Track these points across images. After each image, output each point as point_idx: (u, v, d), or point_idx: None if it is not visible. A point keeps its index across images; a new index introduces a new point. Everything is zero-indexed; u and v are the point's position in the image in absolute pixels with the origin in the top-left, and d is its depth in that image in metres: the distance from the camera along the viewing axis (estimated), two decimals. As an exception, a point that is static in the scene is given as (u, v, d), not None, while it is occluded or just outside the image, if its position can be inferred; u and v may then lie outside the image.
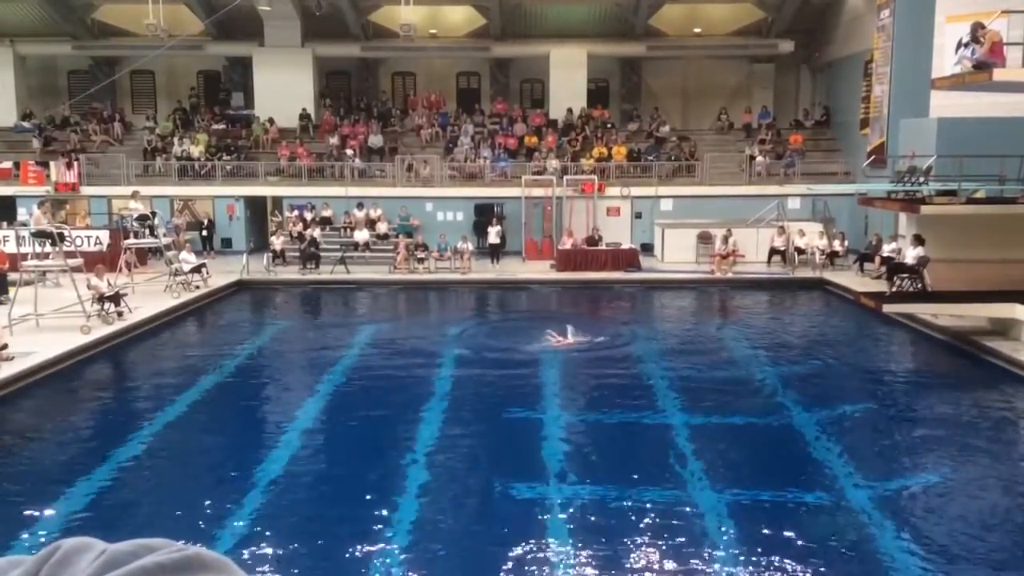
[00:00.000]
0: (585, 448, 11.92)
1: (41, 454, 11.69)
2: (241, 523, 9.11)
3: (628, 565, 8.24)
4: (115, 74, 33.57)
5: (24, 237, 19.50)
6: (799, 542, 8.75)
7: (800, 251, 25.96)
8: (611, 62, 35.65)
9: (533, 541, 8.71)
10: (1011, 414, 13.64)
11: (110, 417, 13.66)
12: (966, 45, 15.23)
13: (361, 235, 27.82)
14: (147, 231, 22.84)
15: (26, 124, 33.81)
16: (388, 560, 8.36)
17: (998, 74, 14.53)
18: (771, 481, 10.42)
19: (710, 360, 16.82)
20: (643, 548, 8.57)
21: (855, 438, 12.70)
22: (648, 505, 9.56)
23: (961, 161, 17.42)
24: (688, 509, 9.51)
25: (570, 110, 33.58)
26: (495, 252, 27.71)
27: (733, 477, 10.62)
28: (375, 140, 32.04)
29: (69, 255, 18.76)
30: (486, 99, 36.41)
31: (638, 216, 29.97)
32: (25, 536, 8.76)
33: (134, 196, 25.21)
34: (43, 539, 8.47)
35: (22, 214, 27.09)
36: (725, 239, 25.83)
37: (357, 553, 8.48)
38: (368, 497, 9.86)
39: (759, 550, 8.52)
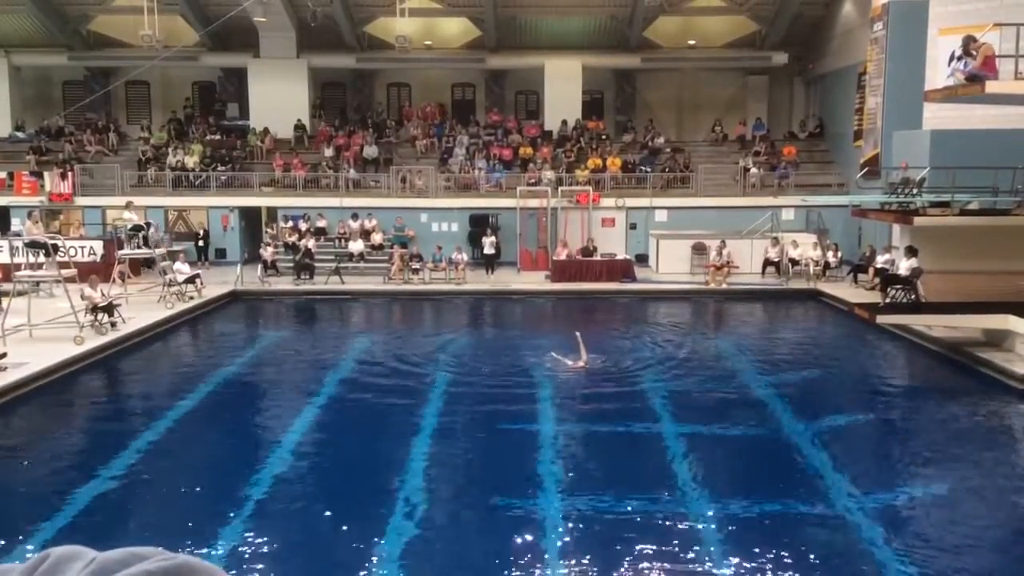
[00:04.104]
0: (582, 460, 11.89)
1: (34, 464, 11.63)
2: (233, 535, 9.06)
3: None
4: (110, 84, 33.54)
5: (17, 247, 19.46)
6: (793, 554, 8.73)
7: (794, 262, 26.01)
8: (606, 74, 35.80)
9: (532, 554, 8.68)
10: (1004, 425, 13.66)
11: (103, 428, 13.60)
12: (959, 58, 15.31)
13: (356, 246, 27.81)
14: (141, 241, 22.81)
15: (20, 134, 33.80)
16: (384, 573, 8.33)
17: (991, 87, 14.61)
18: (765, 493, 10.40)
19: (704, 371, 16.80)
20: (644, 560, 8.55)
21: (849, 449, 12.69)
22: (646, 516, 9.53)
23: (954, 173, 17.49)
24: (684, 520, 9.49)
25: (565, 121, 33.67)
26: (490, 263, 27.73)
27: (728, 489, 10.60)
28: (370, 151, 32.07)
29: (63, 265, 18.71)
30: (481, 110, 36.51)
31: (633, 227, 30.03)
32: (17, 545, 8.70)
33: (128, 206, 25.19)
34: (35, 548, 8.41)
35: (16, 224, 27.03)
36: (719, 250, 25.88)
37: (352, 566, 8.43)
38: (362, 510, 9.82)
39: (754, 562, 8.50)
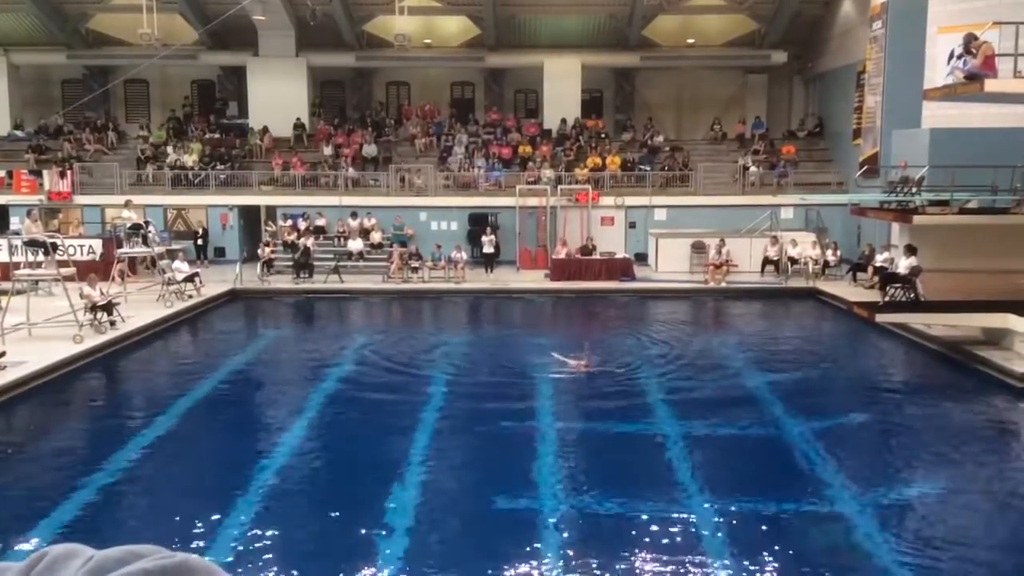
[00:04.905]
0: (583, 460, 11.89)
1: (33, 463, 11.63)
2: (232, 535, 9.06)
3: None
4: (109, 83, 33.53)
5: (16, 246, 19.44)
6: (792, 553, 8.73)
7: (793, 261, 26.01)
8: (605, 72, 35.78)
9: (533, 555, 8.68)
10: (1002, 423, 13.67)
11: (102, 426, 13.60)
12: (959, 56, 15.30)
13: (355, 244, 27.80)
14: (140, 240, 22.79)
15: (19, 133, 33.77)
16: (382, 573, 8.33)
17: (990, 85, 14.60)
18: (764, 491, 10.40)
19: (704, 371, 16.80)
20: (648, 560, 8.55)
21: (848, 448, 12.70)
22: (644, 516, 9.54)
23: (953, 171, 17.48)
24: (683, 520, 9.50)
25: (564, 120, 33.65)
26: (489, 261, 27.72)
27: (727, 488, 10.60)
28: (369, 150, 32.05)
29: (62, 264, 18.69)
30: (480, 109, 36.49)
31: (632, 226, 30.02)
32: (15, 543, 8.70)
33: (127, 205, 25.18)
34: (33, 546, 8.40)
35: (15, 223, 27.00)
36: (719, 249, 25.88)
37: (351, 566, 8.43)
38: (359, 511, 9.82)
39: (753, 561, 8.50)
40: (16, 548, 8.64)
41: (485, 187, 30.71)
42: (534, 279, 26.67)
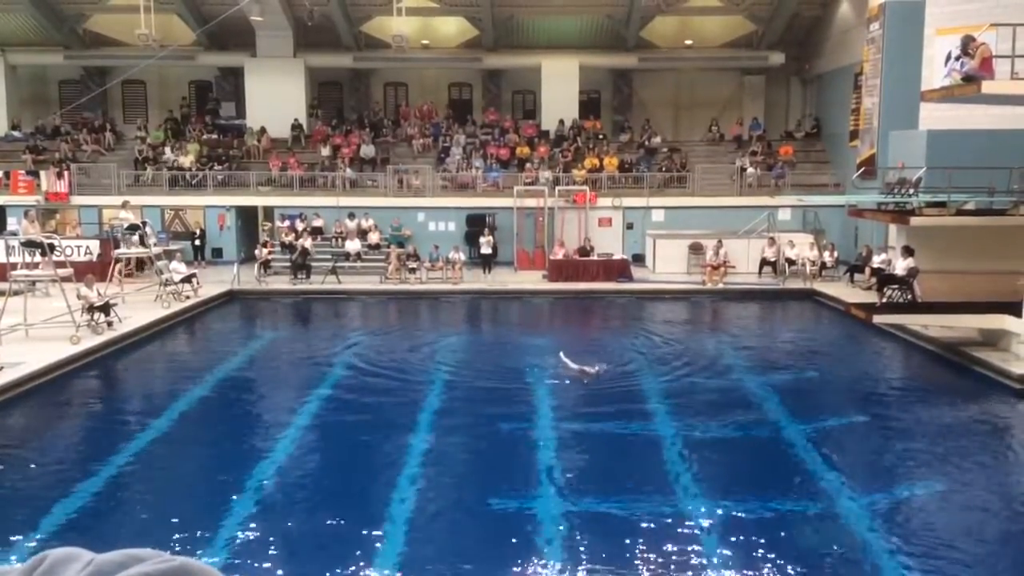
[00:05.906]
0: (577, 461, 11.89)
1: (30, 464, 11.61)
2: (229, 537, 9.05)
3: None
4: (106, 84, 33.51)
5: (14, 247, 19.41)
6: (791, 554, 8.74)
7: (791, 262, 26.04)
8: (603, 73, 35.80)
9: (536, 558, 8.68)
10: (999, 424, 13.68)
11: (99, 428, 13.58)
12: (956, 58, 15.31)
13: (352, 245, 27.79)
14: (137, 240, 22.75)
15: (17, 133, 33.72)
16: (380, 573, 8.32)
17: (987, 86, 14.61)
18: (763, 493, 10.41)
19: (701, 371, 16.79)
20: (644, 561, 8.56)
21: (846, 449, 12.72)
22: (643, 516, 9.54)
23: (950, 173, 17.51)
24: (681, 521, 9.50)
25: (562, 121, 33.65)
26: (487, 262, 27.71)
27: (725, 489, 10.60)
28: (367, 150, 32.05)
29: (59, 265, 18.66)
30: (478, 110, 36.49)
31: (630, 227, 30.04)
32: (13, 545, 8.68)
33: (124, 206, 25.14)
34: (31, 549, 8.38)
35: (12, 223, 26.96)
36: (716, 250, 25.90)
37: (350, 568, 8.43)
38: (358, 512, 9.81)
39: (752, 562, 8.51)
40: (15, 550, 8.62)
41: (483, 188, 30.72)
42: (532, 280, 26.67)
